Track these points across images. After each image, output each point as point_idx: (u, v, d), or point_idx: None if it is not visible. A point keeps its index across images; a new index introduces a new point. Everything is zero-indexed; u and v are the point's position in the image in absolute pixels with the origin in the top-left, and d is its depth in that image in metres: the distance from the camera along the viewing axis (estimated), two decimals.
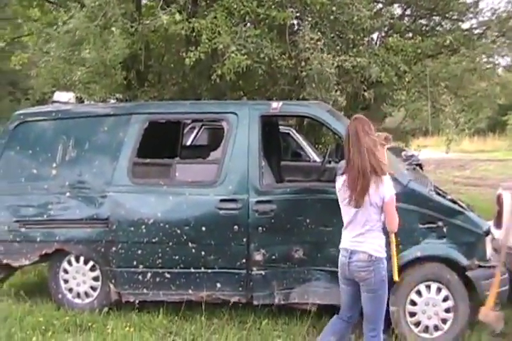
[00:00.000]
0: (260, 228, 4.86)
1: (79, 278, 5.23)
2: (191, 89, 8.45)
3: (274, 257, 4.89)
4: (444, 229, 4.74)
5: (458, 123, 8.42)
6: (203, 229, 4.86)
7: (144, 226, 4.91)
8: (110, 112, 5.38)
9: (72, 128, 5.34)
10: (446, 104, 8.29)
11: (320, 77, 6.36)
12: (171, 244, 4.90)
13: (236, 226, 4.84)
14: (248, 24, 7.35)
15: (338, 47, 7.46)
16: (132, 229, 4.93)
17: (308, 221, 4.86)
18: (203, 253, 4.90)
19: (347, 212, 3.86)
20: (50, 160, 5.28)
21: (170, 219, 4.89)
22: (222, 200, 4.87)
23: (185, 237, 4.89)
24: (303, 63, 6.75)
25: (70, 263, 5.23)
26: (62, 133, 5.33)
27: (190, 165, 5.35)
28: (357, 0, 7.34)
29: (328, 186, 4.87)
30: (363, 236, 3.80)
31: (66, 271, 5.25)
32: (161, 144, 5.55)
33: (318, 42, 6.66)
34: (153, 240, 4.90)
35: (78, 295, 5.26)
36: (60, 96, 6.00)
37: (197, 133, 8.02)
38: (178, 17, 6.43)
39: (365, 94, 7.38)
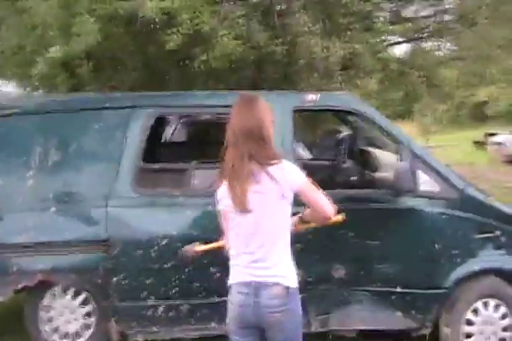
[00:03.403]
0: (297, 245, 4.03)
1: (66, 315, 4.11)
2: (155, 77, 7.35)
3: (311, 278, 4.09)
4: (502, 239, 4.21)
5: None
6: None
7: (154, 249, 3.89)
8: (105, 105, 4.20)
9: (53, 124, 4.16)
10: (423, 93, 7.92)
11: (325, 65, 5.55)
12: (189, 269, 3.94)
13: None
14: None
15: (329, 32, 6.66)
16: (140, 252, 3.88)
17: (350, 234, 4.09)
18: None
19: (236, 223, 2.64)
20: (25, 167, 4.09)
21: (188, 238, 3.89)
22: None
23: (206, 260, 3.94)
24: (300, 49, 5.92)
25: (54, 296, 4.10)
26: (41, 130, 4.16)
27: (211, 169, 4.31)
28: None
29: (372, 193, 4.23)
30: (270, 257, 2.63)
31: (50, 307, 4.11)
32: (172, 145, 4.52)
33: (317, 26, 5.86)
34: (167, 265, 3.92)
35: (66, 336, 4.14)
36: None
37: (175, 130, 6.86)
38: None
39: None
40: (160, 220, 3.94)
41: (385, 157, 5.16)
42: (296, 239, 3.93)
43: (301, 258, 3.98)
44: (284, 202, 2.63)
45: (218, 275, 3.96)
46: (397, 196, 4.05)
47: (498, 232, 4.19)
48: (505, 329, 4.22)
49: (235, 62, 6.05)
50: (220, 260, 3.90)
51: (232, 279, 2.75)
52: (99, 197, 3.96)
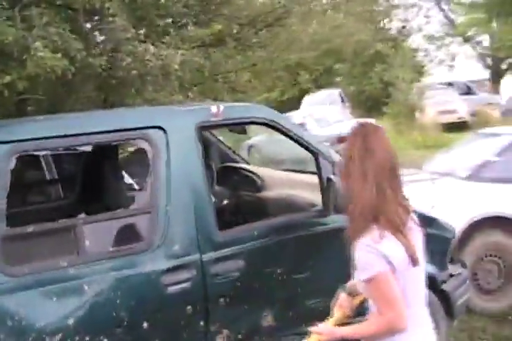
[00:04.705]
0: (222, 299, 3.21)
1: None
2: None
3: (240, 335, 3.33)
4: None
5: None
6: (145, 324, 2.94)
7: None
8: None
9: None
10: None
11: (162, 74, 4.70)
12: None
13: (190, 307, 3.09)
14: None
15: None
16: None
17: (278, 271, 3.41)
18: None
19: (403, 282, 2.17)
20: None
21: (91, 324, 2.80)
22: (168, 270, 3.03)
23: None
24: (126, 61, 4.91)
25: None
26: None
27: (104, 222, 3.13)
28: None
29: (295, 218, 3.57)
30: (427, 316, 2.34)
31: None
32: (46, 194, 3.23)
33: (141, 31, 4.97)
34: None
35: None
36: None
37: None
38: None
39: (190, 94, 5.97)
40: (47, 308, 2.75)
41: (262, 173, 4.53)
42: (223, 289, 3.15)
43: (229, 313, 3.22)
44: None
45: None
46: (325, 216, 3.48)
47: None
48: None
49: (51, 82, 4.83)
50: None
51: None
52: None
